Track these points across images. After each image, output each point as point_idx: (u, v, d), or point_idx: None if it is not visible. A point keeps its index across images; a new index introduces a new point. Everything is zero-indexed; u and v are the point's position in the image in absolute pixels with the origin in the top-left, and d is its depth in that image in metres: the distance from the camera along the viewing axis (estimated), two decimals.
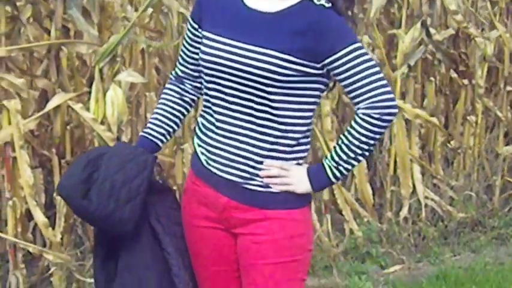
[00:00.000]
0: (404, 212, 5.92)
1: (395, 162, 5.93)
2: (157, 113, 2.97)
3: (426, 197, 6.03)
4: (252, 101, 2.68)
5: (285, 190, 2.73)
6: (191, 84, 2.93)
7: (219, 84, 2.72)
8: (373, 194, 5.91)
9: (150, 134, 2.93)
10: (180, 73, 2.95)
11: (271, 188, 2.73)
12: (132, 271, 2.85)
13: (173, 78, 2.99)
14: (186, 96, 2.95)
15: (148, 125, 2.97)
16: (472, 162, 6.61)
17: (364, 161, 5.75)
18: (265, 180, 2.73)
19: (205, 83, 2.79)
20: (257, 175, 2.73)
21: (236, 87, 2.68)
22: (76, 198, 2.75)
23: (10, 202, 4.48)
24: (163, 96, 3.00)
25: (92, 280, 4.44)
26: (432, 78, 6.34)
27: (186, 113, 2.98)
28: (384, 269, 5.56)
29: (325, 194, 5.59)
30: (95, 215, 2.76)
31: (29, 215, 4.74)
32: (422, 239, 5.94)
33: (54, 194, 4.80)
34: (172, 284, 2.88)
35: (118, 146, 3.07)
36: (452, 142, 6.59)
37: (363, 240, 5.67)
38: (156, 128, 2.94)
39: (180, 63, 2.95)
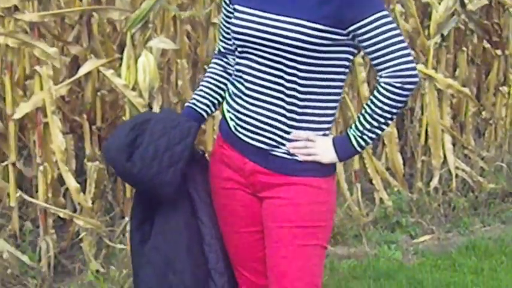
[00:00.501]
0: (434, 182, 5.90)
1: (426, 132, 5.90)
2: (202, 85, 3.02)
3: (457, 168, 5.99)
4: (281, 70, 2.69)
5: (311, 160, 2.76)
6: (233, 58, 2.94)
7: (249, 53, 2.75)
8: (404, 164, 5.90)
9: (195, 105, 2.99)
10: (221, 49, 2.99)
11: (297, 156, 2.76)
12: (167, 235, 2.90)
13: (217, 53, 3.04)
14: (229, 69, 2.96)
15: (194, 96, 3.02)
16: (504, 133, 6.57)
17: (395, 131, 5.73)
18: (292, 151, 2.75)
19: (237, 53, 2.82)
20: (284, 143, 2.76)
21: (265, 56, 2.70)
22: (120, 160, 2.81)
23: (41, 167, 4.50)
24: (208, 70, 3.04)
25: (122, 246, 4.50)
26: (464, 48, 6.30)
27: (233, 73, 2.99)
28: (414, 239, 5.55)
29: (356, 163, 5.58)
30: (137, 177, 2.81)
31: (60, 181, 4.77)
32: (453, 210, 5.92)
33: (85, 160, 4.82)
34: (202, 253, 2.93)
35: (164, 113, 3.11)
36: (483, 113, 6.55)
37: (393, 209, 5.65)
38: (200, 99, 2.99)
39: (220, 40, 3.00)
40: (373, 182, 5.65)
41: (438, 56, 5.99)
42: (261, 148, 2.78)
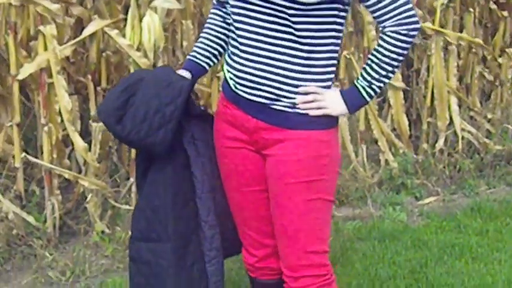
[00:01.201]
0: (440, 143, 5.89)
1: (432, 93, 5.87)
2: (202, 37, 3.03)
3: (463, 129, 5.97)
4: (275, 22, 2.70)
5: (321, 114, 2.77)
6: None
7: (241, 8, 2.75)
8: (410, 126, 5.88)
9: (195, 57, 3.00)
10: None
11: (297, 108, 2.77)
12: (156, 186, 2.99)
13: (215, 3, 3.02)
14: (228, 19, 2.95)
15: (194, 48, 3.03)
16: (510, 95, 6.53)
17: (400, 92, 5.71)
18: (302, 106, 2.76)
19: (230, 8, 2.82)
20: (283, 96, 2.76)
21: (258, 10, 2.71)
22: (111, 123, 2.86)
23: (46, 128, 4.49)
24: (207, 21, 3.04)
25: (127, 207, 4.52)
26: (471, 10, 6.24)
27: (229, 34, 2.97)
28: (419, 201, 5.55)
29: (361, 125, 5.57)
30: (128, 139, 2.88)
31: (65, 142, 4.77)
32: (458, 171, 5.91)
33: (90, 121, 4.81)
34: (194, 206, 3.01)
35: (157, 71, 3.08)
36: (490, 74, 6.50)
37: (398, 171, 5.65)
38: (201, 51, 3.00)
39: None
40: (379, 143, 5.64)
41: (445, 17, 5.96)
42: (261, 103, 2.79)
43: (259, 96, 2.78)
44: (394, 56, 2.73)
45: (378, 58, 2.75)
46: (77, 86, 5.23)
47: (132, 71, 4.40)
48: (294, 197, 2.79)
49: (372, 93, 2.80)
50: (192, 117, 3.00)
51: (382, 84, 2.79)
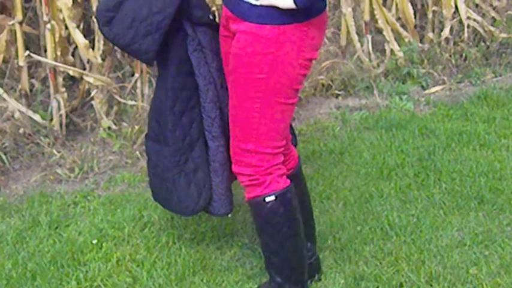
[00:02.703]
0: (445, 32, 5.82)
1: None
2: None
3: (468, 17, 5.89)
4: None
5: (267, 4, 2.68)
6: None
7: None
8: (415, 15, 5.79)
9: None
10: None
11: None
12: (159, 90, 3.07)
13: None
14: None
15: None
16: None
17: None
18: None
19: None
20: None
21: None
22: (99, 23, 2.91)
23: (48, 25, 4.43)
24: None
25: (133, 102, 4.51)
26: None
27: None
28: (425, 90, 5.52)
29: (366, 15, 5.50)
30: (113, 42, 2.94)
31: (69, 40, 4.71)
32: (464, 60, 5.87)
33: (92, 18, 4.75)
34: (194, 115, 3.05)
35: None
36: None
37: (404, 61, 5.60)
38: None
39: None
40: (384, 33, 5.57)
41: None
42: None
43: None
44: None
45: None
46: None
47: None
48: (235, 91, 2.79)
49: None
50: (198, 25, 2.99)
51: None
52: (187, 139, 3.03)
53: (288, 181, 2.92)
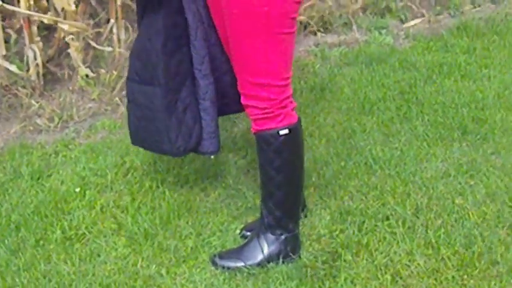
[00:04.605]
0: None
1: None
2: None
3: None
4: None
5: None
6: None
7: None
8: None
9: None
10: None
11: None
12: (147, 29, 2.98)
13: None
14: None
15: None
16: None
17: None
18: None
19: None
20: None
21: None
22: None
23: None
24: None
25: (109, 48, 4.45)
26: None
27: None
28: (404, 23, 5.49)
29: None
30: None
31: None
32: None
33: None
34: (183, 53, 3.00)
35: None
36: None
37: None
38: None
39: None
40: None
41: None
42: None
43: None
44: None
45: None
46: None
47: None
48: (237, 28, 2.73)
49: None
50: None
51: None
52: (177, 79, 2.99)
53: (297, 115, 2.92)
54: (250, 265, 2.98)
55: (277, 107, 2.83)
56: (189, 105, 3.04)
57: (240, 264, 2.98)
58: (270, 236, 3.00)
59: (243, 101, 2.87)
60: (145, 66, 3.00)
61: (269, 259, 2.98)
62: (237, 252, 3.03)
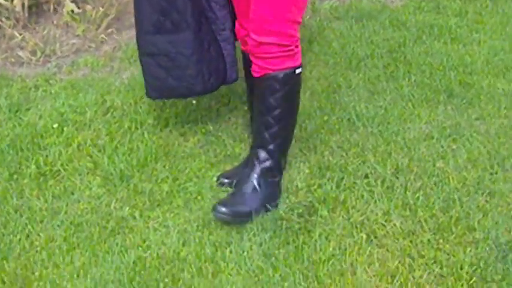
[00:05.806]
0: None
1: None
2: None
3: None
4: None
5: None
6: None
7: None
8: None
9: None
10: None
11: None
12: None
13: None
14: None
15: None
16: None
17: None
18: None
19: None
20: None
21: None
22: None
23: None
24: None
25: None
26: None
27: None
28: None
29: None
30: None
31: None
32: None
33: None
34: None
35: None
36: None
37: None
38: None
39: None
40: None
41: None
42: None
43: None
44: None
45: None
46: None
47: None
48: (259, 13, 2.76)
49: None
50: None
51: None
52: (200, 16, 3.03)
53: None
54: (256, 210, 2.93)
55: (296, 45, 2.85)
56: (210, 40, 3.07)
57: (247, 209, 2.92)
58: (265, 179, 2.97)
59: (257, 37, 2.81)
60: (166, 15, 2.97)
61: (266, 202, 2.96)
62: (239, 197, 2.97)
